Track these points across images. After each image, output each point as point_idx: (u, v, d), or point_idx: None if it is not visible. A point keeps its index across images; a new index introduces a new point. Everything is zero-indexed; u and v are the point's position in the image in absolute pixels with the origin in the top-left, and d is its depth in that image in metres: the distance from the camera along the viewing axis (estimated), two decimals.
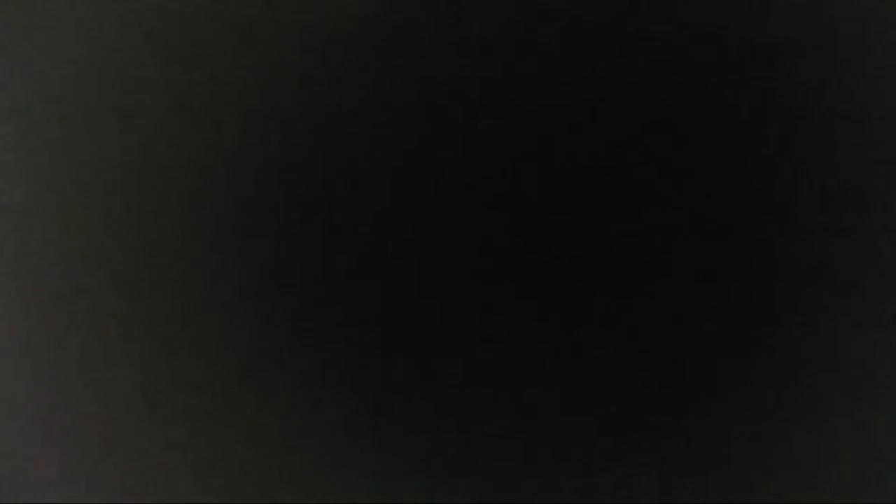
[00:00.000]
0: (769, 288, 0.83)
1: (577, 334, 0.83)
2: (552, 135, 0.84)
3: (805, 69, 0.84)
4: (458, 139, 0.84)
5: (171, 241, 0.85)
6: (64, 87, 0.87)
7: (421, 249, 0.84)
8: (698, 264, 0.83)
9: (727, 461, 0.83)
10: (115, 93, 0.86)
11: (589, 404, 0.83)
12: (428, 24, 0.85)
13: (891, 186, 0.84)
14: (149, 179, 0.86)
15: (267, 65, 0.86)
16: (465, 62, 0.85)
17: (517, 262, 0.84)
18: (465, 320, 0.84)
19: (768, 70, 0.84)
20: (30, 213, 0.86)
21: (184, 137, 0.86)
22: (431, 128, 0.85)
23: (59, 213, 0.86)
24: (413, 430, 0.84)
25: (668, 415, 0.83)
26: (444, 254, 0.84)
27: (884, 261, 0.83)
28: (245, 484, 0.84)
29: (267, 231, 0.85)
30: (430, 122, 0.85)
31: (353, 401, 0.84)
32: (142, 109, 0.86)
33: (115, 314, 0.85)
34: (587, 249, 0.83)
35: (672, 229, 0.83)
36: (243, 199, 0.85)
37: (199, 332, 0.85)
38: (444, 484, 0.84)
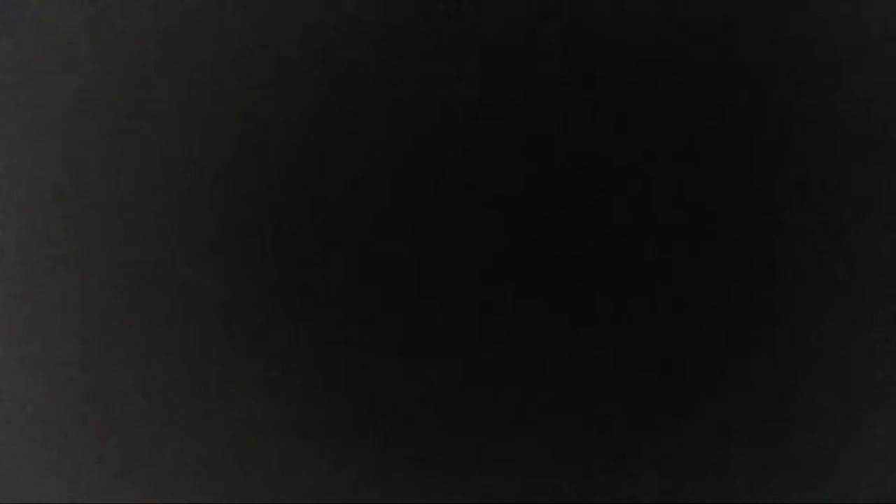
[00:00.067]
0: (769, 288, 0.83)
1: (577, 335, 0.83)
2: (553, 135, 0.84)
3: (805, 69, 0.84)
4: (458, 140, 0.84)
5: (171, 241, 0.85)
6: (64, 86, 0.87)
7: (421, 249, 0.84)
8: (699, 265, 0.83)
9: (727, 461, 0.83)
10: (116, 93, 0.86)
11: (589, 405, 0.83)
12: (428, 24, 0.85)
13: (891, 187, 0.84)
14: (149, 179, 0.85)
15: (267, 65, 0.86)
16: (466, 62, 0.85)
17: (518, 263, 0.84)
18: (466, 320, 0.84)
19: (769, 70, 0.84)
20: (30, 213, 0.86)
21: (184, 137, 0.86)
22: (432, 128, 0.85)
23: (59, 212, 0.86)
24: (413, 430, 0.84)
25: (669, 415, 0.83)
26: (444, 254, 0.84)
27: (884, 261, 0.83)
28: (245, 484, 0.84)
29: (267, 231, 0.85)
30: (430, 123, 0.85)
31: (353, 401, 0.84)
32: (142, 110, 0.86)
33: (115, 314, 0.85)
34: (588, 250, 0.83)
35: (673, 229, 0.83)
36: (243, 200, 0.85)
37: (198, 331, 0.84)
38: (444, 484, 0.84)
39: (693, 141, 0.84)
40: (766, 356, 0.83)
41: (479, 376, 0.83)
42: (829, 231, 0.83)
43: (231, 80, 0.86)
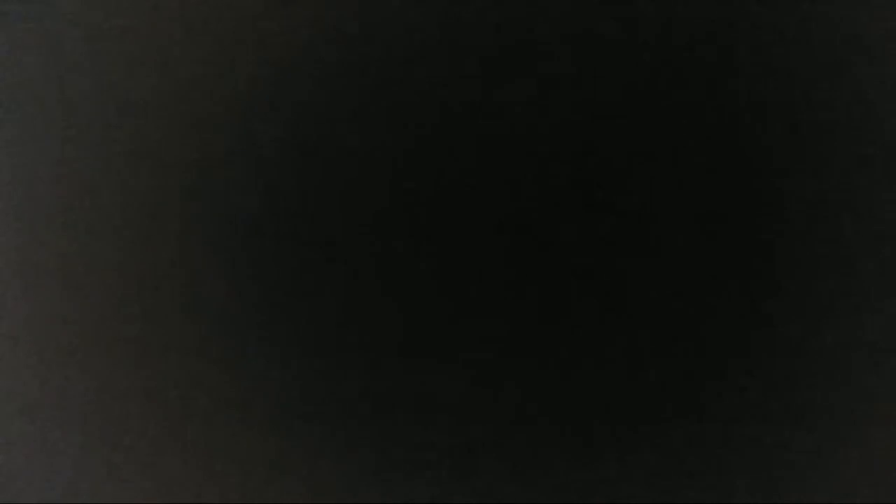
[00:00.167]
0: (770, 289, 0.83)
1: (577, 335, 0.83)
2: (553, 136, 0.84)
3: (806, 70, 0.84)
4: (457, 140, 0.84)
5: (171, 241, 0.85)
6: (64, 87, 0.87)
7: (421, 249, 0.84)
8: (699, 265, 0.83)
9: (727, 461, 0.83)
10: (116, 93, 0.86)
11: (589, 405, 0.83)
12: (429, 24, 0.85)
13: (892, 187, 0.84)
14: (149, 179, 0.85)
15: (267, 66, 0.86)
16: (466, 63, 0.85)
17: (518, 263, 0.84)
18: (467, 320, 0.84)
19: (769, 72, 0.84)
20: (30, 213, 0.86)
21: (184, 137, 0.86)
22: (432, 129, 0.85)
23: (59, 213, 0.86)
24: (413, 430, 0.84)
25: (669, 415, 0.83)
26: (444, 253, 0.84)
27: (884, 261, 0.83)
28: (245, 484, 0.84)
29: (267, 231, 0.85)
30: (430, 124, 0.85)
31: (353, 400, 0.84)
32: (143, 110, 0.86)
33: (115, 314, 0.85)
34: (588, 250, 0.83)
35: (673, 230, 0.83)
36: (243, 200, 0.85)
37: (198, 331, 0.84)
38: (444, 484, 0.84)
39: (693, 142, 0.84)
40: (766, 356, 0.83)
41: (479, 376, 0.83)
42: (829, 231, 0.83)
43: (230, 80, 0.86)
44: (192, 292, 0.84)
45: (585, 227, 0.83)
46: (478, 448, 0.83)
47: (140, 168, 0.85)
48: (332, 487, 0.84)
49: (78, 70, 0.86)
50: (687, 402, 0.83)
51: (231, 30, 0.86)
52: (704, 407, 0.83)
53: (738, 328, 0.83)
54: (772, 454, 0.83)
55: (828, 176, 0.84)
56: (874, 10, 0.84)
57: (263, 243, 0.85)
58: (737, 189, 0.84)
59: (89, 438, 0.85)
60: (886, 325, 0.83)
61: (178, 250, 0.85)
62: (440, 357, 0.83)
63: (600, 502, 0.83)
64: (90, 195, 0.86)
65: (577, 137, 0.84)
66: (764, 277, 0.83)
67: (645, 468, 0.83)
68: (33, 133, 0.86)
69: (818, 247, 0.83)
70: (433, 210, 0.84)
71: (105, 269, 0.85)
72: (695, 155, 0.84)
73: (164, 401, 0.84)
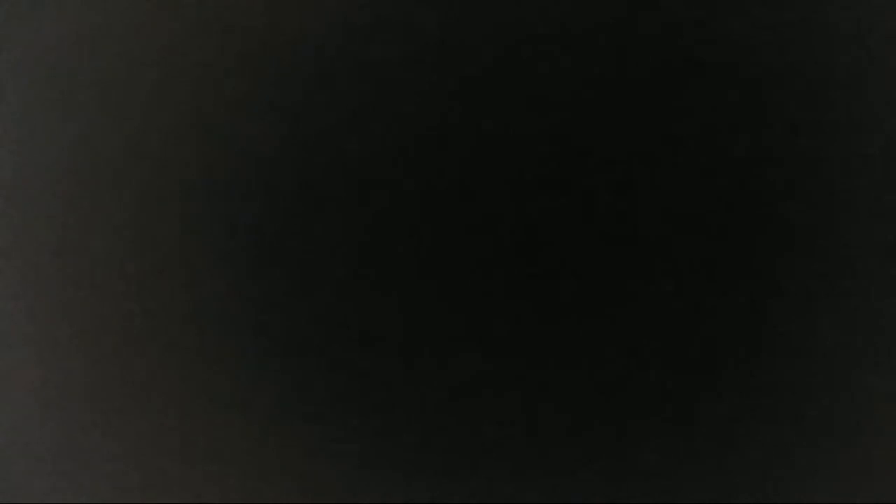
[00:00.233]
0: (770, 289, 0.83)
1: (578, 335, 0.83)
2: (553, 136, 0.84)
3: (806, 70, 0.84)
4: (458, 140, 0.84)
5: (171, 241, 0.85)
6: (64, 86, 0.87)
7: (421, 249, 0.84)
8: (699, 265, 0.83)
9: (727, 462, 0.83)
10: (117, 93, 0.86)
11: (589, 405, 0.83)
12: (430, 23, 0.85)
13: (892, 187, 0.84)
14: (149, 179, 0.86)
15: (267, 66, 0.86)
16: (466, 63, 0.85)
17: (518, 263, 0.84)
18: (467, 320, 0.84)
19: (769, 72, 0.84)
20: (30, 213, 0.86)
21: (184, 137, 0.86)
22: (431, 129, 0.85)
23: (59, 212, 0.86)
24: (413, 430, 0.84)
25: (668, 416, 0.83)
26: (444, 253, 0.84)
27: (884, 261, 0.83)
28: (245, 483, 0.84)
29: (267, 231, 0.85)
30: (430, 124, 0.85)
31: (353, 400, 0.84)
32: (144, 110, 0.86)
33: (114, 314, 0.85)
34: (588, 250, 0.83)
35: (673, 230, 0.83)
36: (243, 200, 0.85)
37: (198, 331, 0.85)
38: (444, 484, 0.84)
39: (694, 142, 0.84)
40: (765, 356, 0.83)
41: (480, 376, 0.83)
42: (830, 232, 0.83)
43: (230, 80, 0.86)
44: (192, 292, 0.85)
45: (587, 227, 0.83)
46: (478, 448, 0.83)
47: (140, 168, 0.85)
48: (332, 487, 0.84)
49: (78, 70, 0.86)
50: (687, 403, 0.83)
51: (231, 30, 0.86)
52: (704, 407, 0.83)
53: (738, 328, 0.83)
54: (772, 454, 0.83)
55: (828, 176, 0.84)
56: (874, 10, 0.84)
57: (263, 243, 0.85)
58: (737, 189, 0.84)
59: (88, 438, 0.85)
60: (887, 324, 0.83)
61: (178, 250, 0.85)
62: (440, 357, 0.84)
63: (600, 502, 0.83)
64: (90, 195, 0.86)
65: (577, 137, 0.84)
66: (764, 277, 0.83)
67: (645, 468, 0.83)
68: (33, 133, 0.86)
69: (818, 247, 0.83)
70: (433, 210, 0.84)
71: (105, 269, 0.85)
72: (694, 154, 0.84)
73: (163, 400, 0.84)
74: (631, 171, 0.84)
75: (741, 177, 0.84)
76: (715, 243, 0.83)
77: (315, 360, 0.84)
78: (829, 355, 0.83)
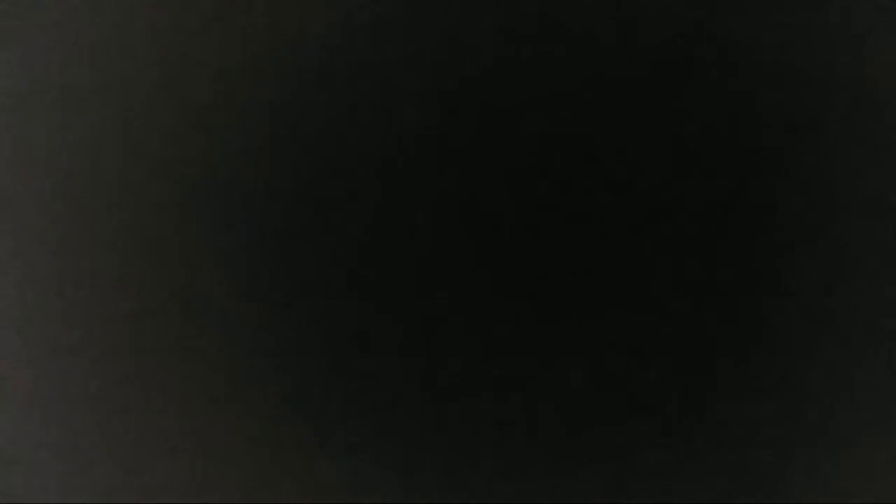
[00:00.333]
0: (770, 289, 0.83)
1: (578, 335, 0.83)
2: (553, 136, 0.84)
3: (806, 70, 0.84)
4: (458, 140, 0.84)
5: (171, 240, 0.85)
6: (64, 86, 0.87)
7: (421, 249, 0.84)
8: (700, 265, 0.83)
9: (727, 462, 0.83)
10: (117, 93, 0.86)
11: (589, 405, 0.83)
12: (427, 22, 0.85)
13: (892, 187, 0.84)
14: (149, 179, 0.86)
15: (267, 65, 0.86)
16: (466, 63, 0.85)
17: (518, 263, 0.84)
18: (466, 320, 0.84)
19: (769, 72, 0.84)
20: (30, 213, 0.86)
21: (184, 138, 0.86)
22: (431, 129, 0.85)
23: (59, 212, 0.86)
24: (413, 429, 0.84)
25: (668, 416, 0.83)
26: (444, 253, 0.84)
27: (885, 262, 0.83)
28: (245, 483, 0.84)
29: (267, 231, 0.85)
30: (430, 124, 0.85)
31: (353, 400, 0.84)
32: (144, 110, 0.86)
33: (114, 314, 0.85)
34: (589, 251, 0.83)
35: (673, 231, 0.83)
36: (243, 199, 0.85)
37: (198, 331, 0.84)
38: (444, 484, 0.84)
39: (694, 143, 0.84)
40: (766, 356, 0.83)
41: (480, 376, 0.83)
42: (830, 232, 0.83)
43: (230, 80, 0.86)
44: (192, 292, 0.84)
45: (587, 227, 0.83)
46: (478, 448, 0.83)
47: (140, 168, 0.85)
48: (332, 487, 0.84)
49: (78, 69, 0.86)
50: (687, 403, 0.83)
51: (231, 30, 0.86)
52: (704, 407, 0.83)
53: (738, 328, 0.83)
54: (772, 454, 0.83)
55: (828, 175, 0.84)
56: (874, 10, 0.84)
57: (263, 243, 0.85)
58: (737, 189, 0.84)
59: (87, 438, 0.85)
60: (887, 324, 0.83)
61: (178, 250, 0.85)
62: (440, 357, 0.83)
63: (600, 502, 0.83)
64: (90, 195, 0.86)
65: (577, 137, 0.84)
66: (764, 277, 0.83)
67: (645, 468, 0.83)
68: (33, 133, 0.86)
69: (818, 246, 0.83)
70: (433, 210, 0.84)
71: (105, 269, 0.85)
72: (694, 154, 0.84)
73: (163, 400, 0.84)
74: (631, 171, 0.84)
75: (741, 176, 0.84)
76: (715, 243, 0.83)
77: (315, 360, 0.84)
78: (829, 355, 0.83)
